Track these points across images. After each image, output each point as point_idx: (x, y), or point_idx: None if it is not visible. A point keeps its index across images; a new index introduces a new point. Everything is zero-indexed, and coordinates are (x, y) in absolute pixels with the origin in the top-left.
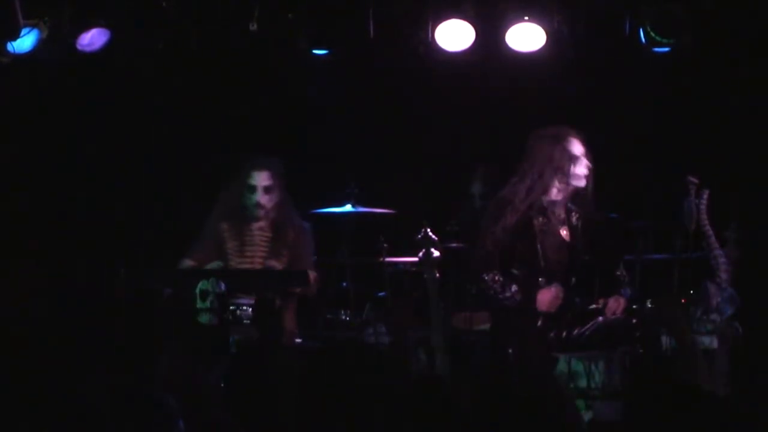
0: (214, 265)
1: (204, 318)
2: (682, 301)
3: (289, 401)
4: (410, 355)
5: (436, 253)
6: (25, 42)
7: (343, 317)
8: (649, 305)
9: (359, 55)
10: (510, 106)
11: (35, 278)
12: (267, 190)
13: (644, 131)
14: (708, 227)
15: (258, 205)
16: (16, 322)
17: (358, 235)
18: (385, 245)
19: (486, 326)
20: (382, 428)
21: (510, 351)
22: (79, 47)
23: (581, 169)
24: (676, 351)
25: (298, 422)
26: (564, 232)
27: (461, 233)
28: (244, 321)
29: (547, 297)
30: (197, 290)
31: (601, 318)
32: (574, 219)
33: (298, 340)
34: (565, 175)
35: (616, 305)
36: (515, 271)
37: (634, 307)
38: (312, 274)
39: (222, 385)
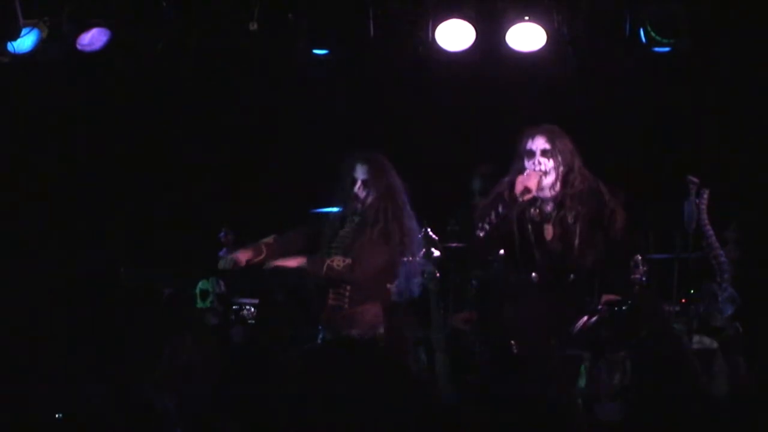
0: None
1: (206, 318)
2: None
3: (288, 401)
4: (410, 355)
5: (436, 253)
6: (25, 42)
7: None
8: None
9: (359, 55)
10: (510, 106)
11: (35, 278)
12: (365, 184)
13: (644, 131)
14: (708, 227)
15: (354, 197)
16: (15, 322)
17: None
18: None
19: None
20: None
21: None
22: (79, 47)
23: (531, 164)
24: (664, 347)
25: (298, 422)
26: (548, 228)
27: (461, 232)
28: (249, 321)
29: (521, 178)
30: (197, 290)
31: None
32: (569, 217)
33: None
34: (520, 170)
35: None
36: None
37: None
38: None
39: (221, 385)
